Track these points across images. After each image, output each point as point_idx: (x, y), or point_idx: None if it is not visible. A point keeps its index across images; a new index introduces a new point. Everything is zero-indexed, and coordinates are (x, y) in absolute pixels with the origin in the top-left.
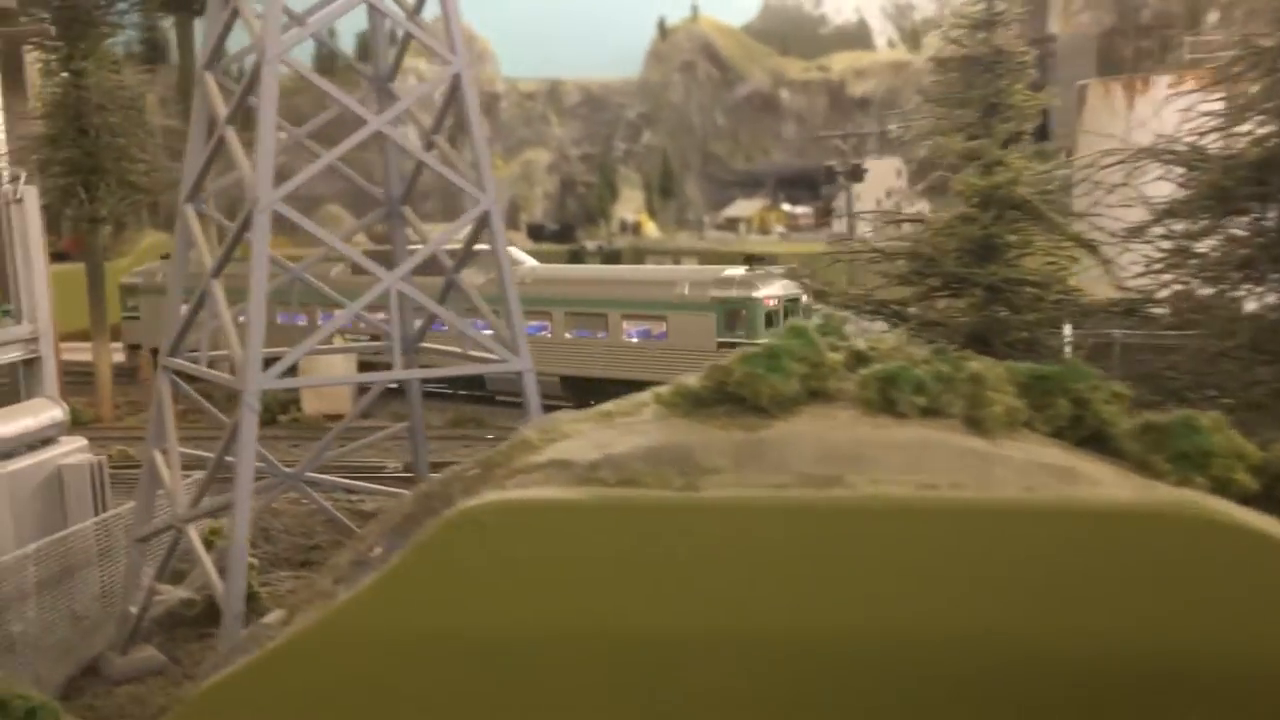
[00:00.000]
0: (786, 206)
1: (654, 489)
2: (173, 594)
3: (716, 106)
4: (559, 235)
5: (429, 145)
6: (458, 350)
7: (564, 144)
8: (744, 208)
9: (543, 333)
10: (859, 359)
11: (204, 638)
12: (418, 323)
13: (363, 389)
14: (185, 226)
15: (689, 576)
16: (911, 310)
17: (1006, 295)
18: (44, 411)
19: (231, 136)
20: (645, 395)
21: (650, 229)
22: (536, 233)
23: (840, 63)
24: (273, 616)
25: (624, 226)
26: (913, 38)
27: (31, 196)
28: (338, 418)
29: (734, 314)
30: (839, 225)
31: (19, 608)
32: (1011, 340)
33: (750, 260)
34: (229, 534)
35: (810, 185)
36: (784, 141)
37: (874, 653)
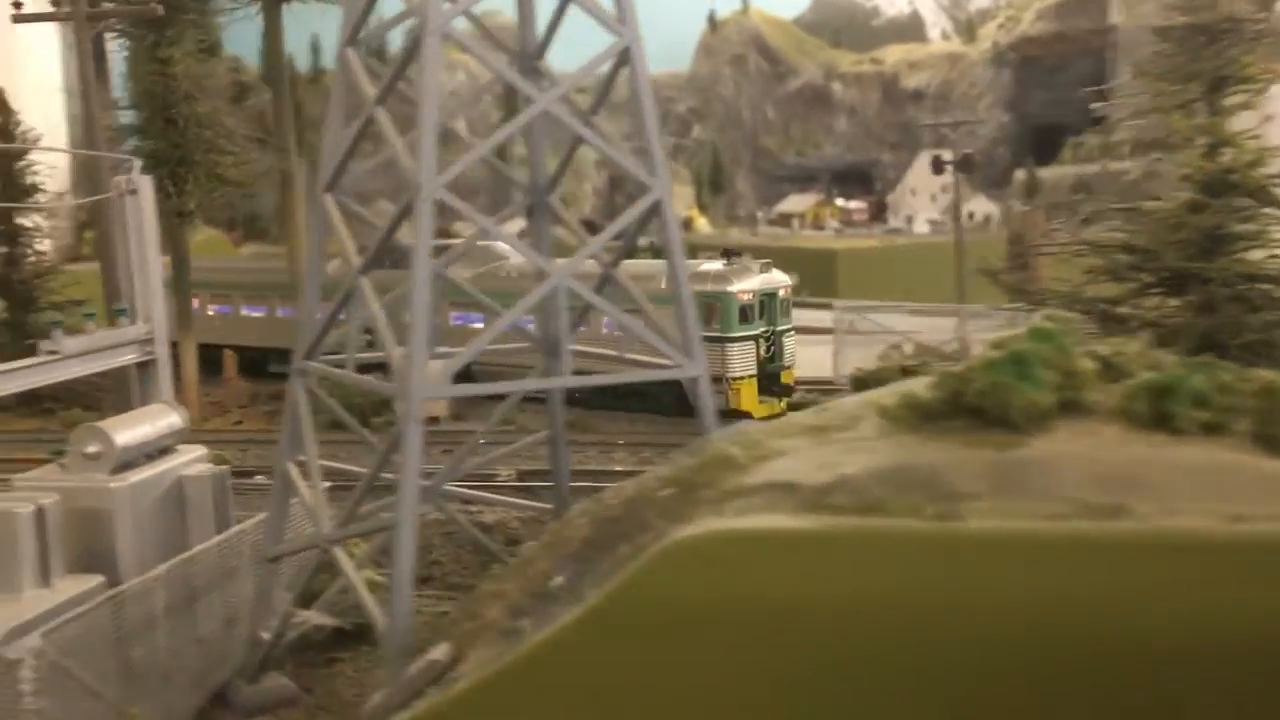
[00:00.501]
0: (840, 201)
1: (902, 518)
2: (313, 619)
3: (767, 100)
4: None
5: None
6: (611, 353)
7: (613, 138)
8: (797, 202)
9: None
10: (1107, 367)
11: (331, 663)
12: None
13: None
14: (323, 218)
15: (949, 619)
16: (1121, 310)
17: (1239, 293)
18: (162, 418)
19: (383, 118)
20: (855, 404)
21: (701, 224)
22: (587, 229)
23: (893, 55)
24: (439, 651)
25: None
26: (968, 29)
27: (146, 187)
28: (433, 420)
29: (709, 307)
30: (895, 220)
31: (148, 634)
32: (1247, 343)
33: (728, 254)
34: (390, 555)
35: (863, 179)
36: (836, 135)
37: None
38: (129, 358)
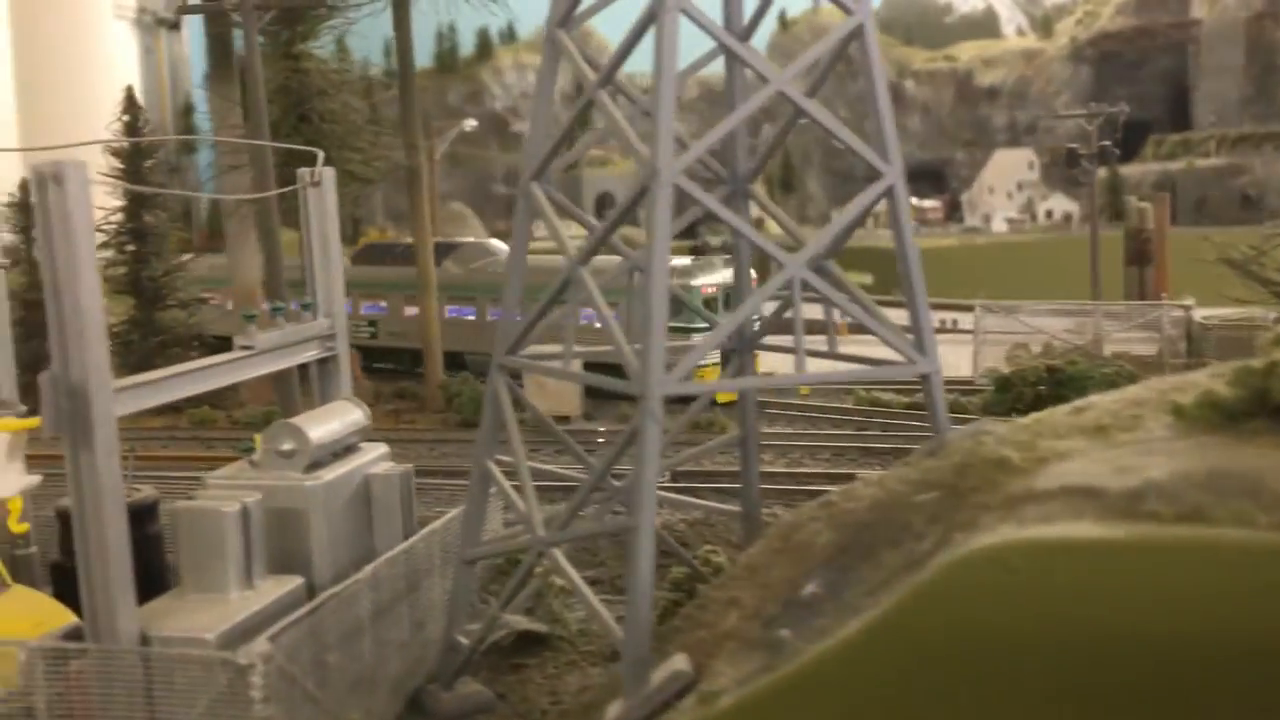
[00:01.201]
0: (914, 200)
1: (1235, 527)
2: (521, 625)
3: (839, 99)
4: (682, 232)
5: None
6: (822, 350)
7: (681, 139)
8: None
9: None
10: None
11: (518, 669)
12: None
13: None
14: (528, 208)
15: None
16: None
17: None
18: (347, 415)
19: (606, 100)
20: (1122, 402)
21: (772, 226)
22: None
23: (967, 52)
24: (678, 662)
25: None
26: (1044, 25)
27: (330, 179)
28: (564, 419)
29: (674, 301)
30: (971, 219)
31: (356, 638)
32: None
33: (696, 251)
34: (628, 561)
35: (936, 178)
36: (908, 133)
37: None
38: (312, 354)
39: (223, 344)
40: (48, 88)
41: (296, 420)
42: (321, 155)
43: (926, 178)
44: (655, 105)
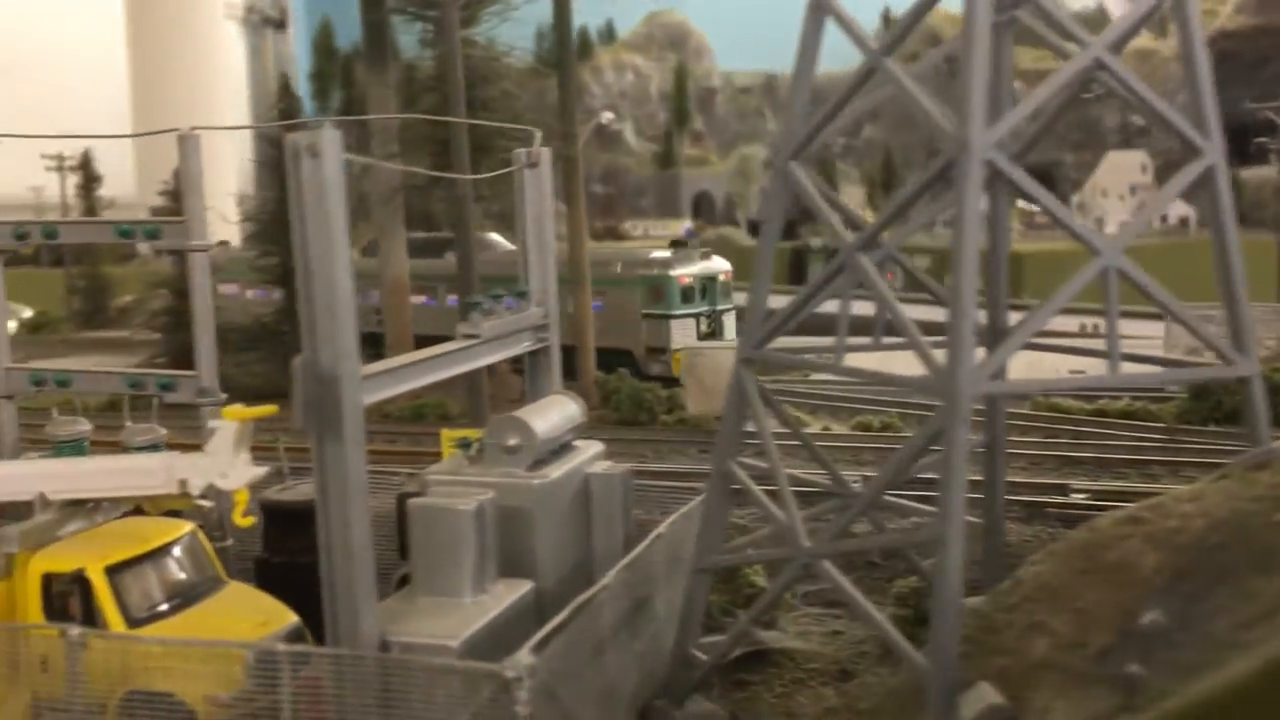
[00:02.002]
0: (1022, 203)
1: None
2: (774, 641)
3: (941, 99)
4: (781, 232)
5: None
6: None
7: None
8: None
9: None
10: None
11: (743, 686)
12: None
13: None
14: (784, 188)
15: None
16: None
17: None
18: (565, 409)
19: (896, 69)
20: None
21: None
22: (758, 229)
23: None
24: (987, 693)
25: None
26: (1159, 24)
27: (546, 160)
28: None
29: (655, 289)
30: (1084, 222)
31: (601, 653)
32: None
33: (675, 244)
34: (935, 576)
35: (1044, 180)
36: (1015, 134)
37: None
38: (527, 344)
39: (371, 339)
40: (161, 85)
41: (521, 414)
42: (539, 135)
43: (1035, 180)
44: (965, 69)
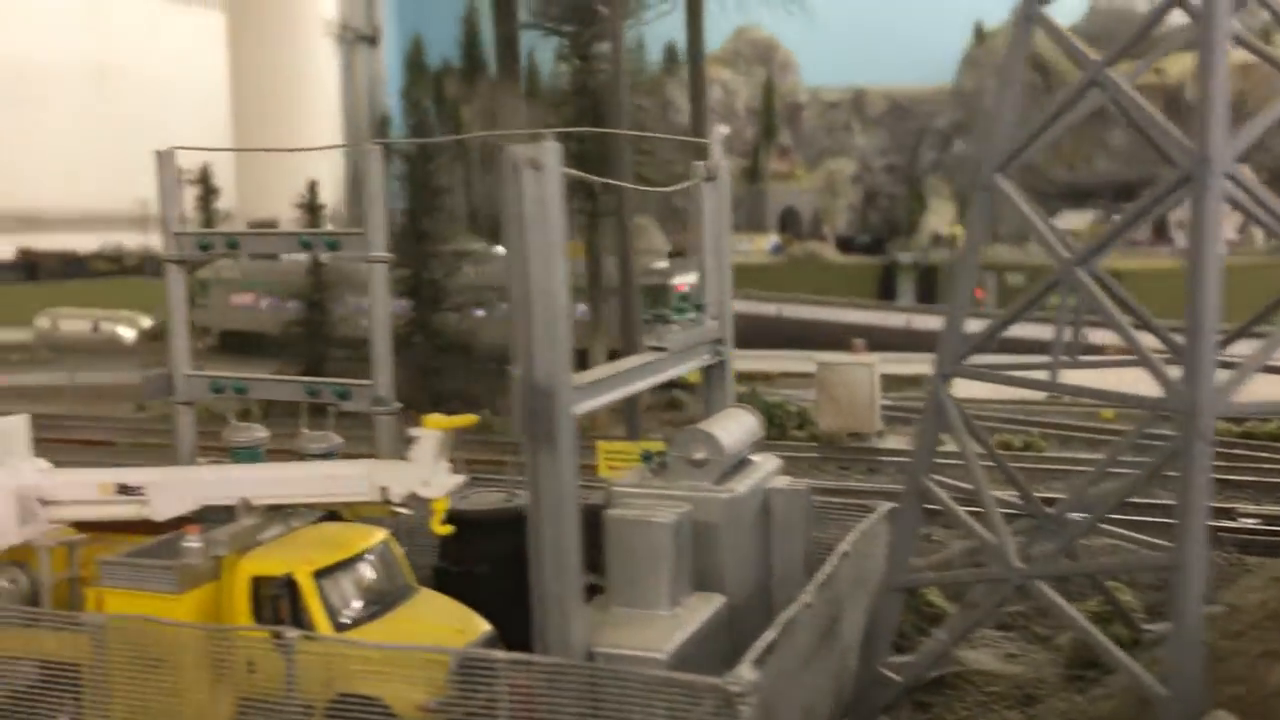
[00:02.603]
0: (1118, 219)
1: None
2: (977, 662)
3: (1036, 114)
4: (870, 247)
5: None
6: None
7: (868, 154)
8: (1072, 220)
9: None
10: None
11: (924, 709)
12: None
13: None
14: (989, 205)
15: None
16: None
17: None
18: (745, 423)
19: (1123, 83)
20: None
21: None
22: (846, 245)
23: (1177, 65)
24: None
25: (937, 239)
26: (1263, 37)
27: (725, 172)
28: (859, 436)
29: (655, 297)
30: (1182, 240)
31: (802, 670)
32: None
33: (674, 254)
34: (1173, 601)
35: (1139, 196)
36: (1111, 150)
37: None
38: (705, 358)
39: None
40: (260, 99)
41: (707, 427)
42: (718, 147)
43: (1130, 196)
44: (1204, 80)
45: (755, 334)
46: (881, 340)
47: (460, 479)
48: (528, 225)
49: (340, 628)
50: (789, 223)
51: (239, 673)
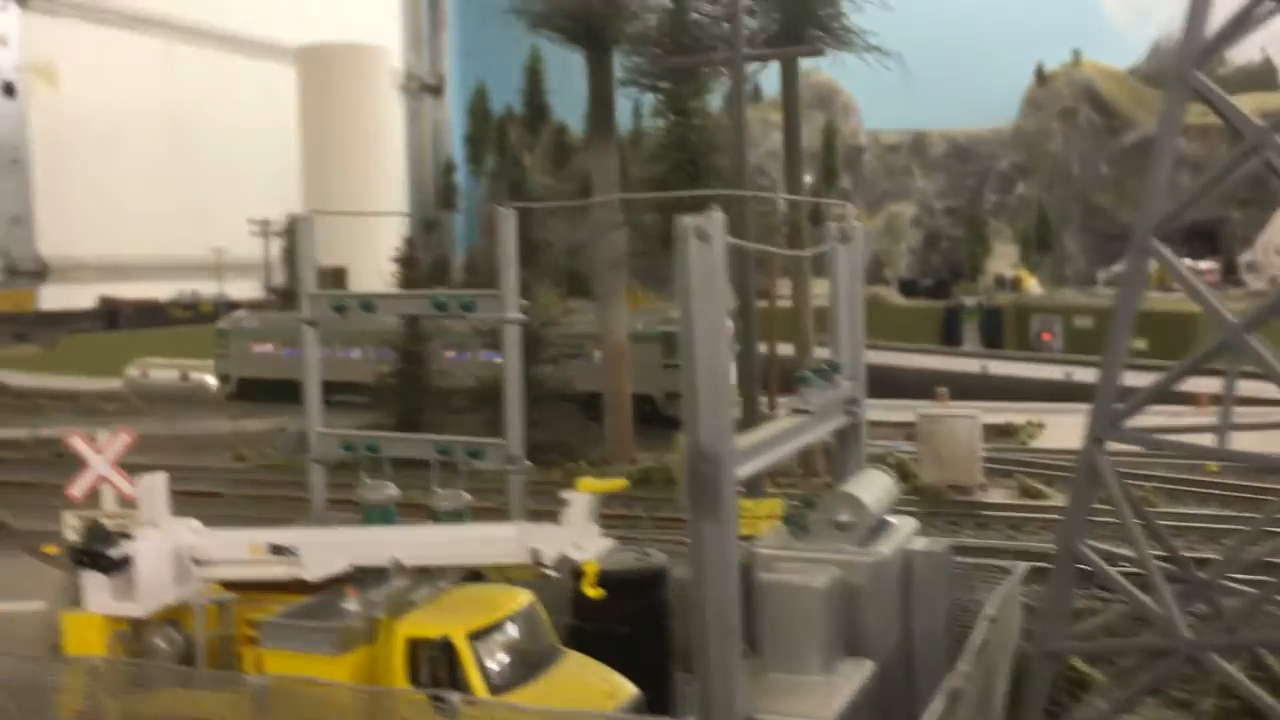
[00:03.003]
0: (1188, 261)
1: None
2: None
3: (1100, 155)
4: (933, 291)
5: None
6: None
7: (928, 197)
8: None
9: None
10: None
11: None
12: None
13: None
14: (1144, 266)
15: None
16: None
17: None
18: (882, 484)
19: None
20: None
21: (1031, 285)
22: (909, 288)
23: (1244, 105)
24: None
25: (1001, 282)
26: None
27: (859, 233)
28: (962, 490)
29: (672, 342)
30: (1255, 282)
31: None
32: None
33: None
34: None
35: (1209, 239)
36: (1180, 191)
37: None
38: (842, 419)
39: (591, 398)
40: (329, 153)
41: (852, 489)
42: (851, 208)
43: (1200, 238)
44: None
45: None
46: (957, 386)
47: (610, 542)
48: (693, 295)
49: (495, 690)
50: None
51: None
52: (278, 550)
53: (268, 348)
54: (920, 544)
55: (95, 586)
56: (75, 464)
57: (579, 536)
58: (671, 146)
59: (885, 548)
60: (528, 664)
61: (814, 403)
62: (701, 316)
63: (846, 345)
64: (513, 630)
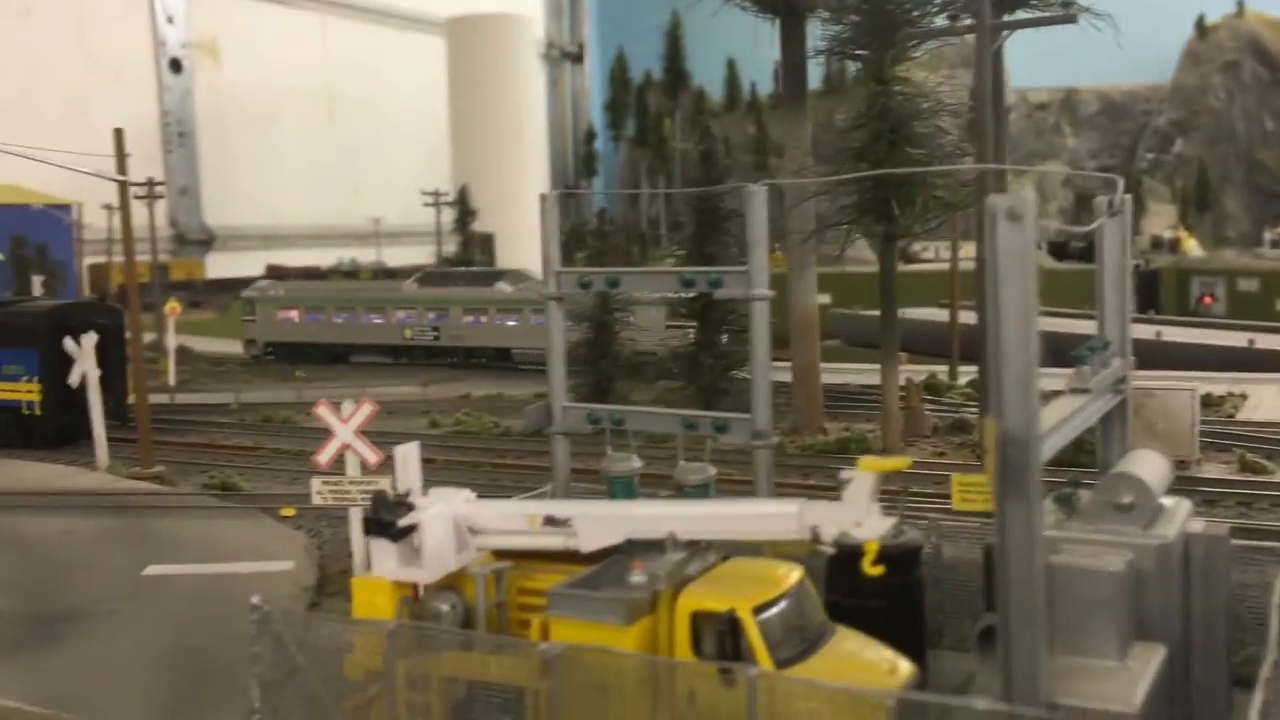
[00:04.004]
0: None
1: None
2: None
3: (1264, 110)
4: (1085, 253)
5: None
6: None
7: (1079, 156)
8: None
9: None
10: None
11: None
12: None
13: None
14: None
15: None
16: None
17: None
18: (1158, 466)
19: None
20: None
21: (1190, 246)
22: (1059, 251)
23: None
24: None
25: (1158, 243)
26: None
27: (1128, 210)
28: (1179, 464)
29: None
30: None
31: None
32: None
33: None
34: None
35: None
36: None
37: None
38: (1110, 398)
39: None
40: (476, 122)
41: (1135, 470)
42: (1121, 182)
43: None
44: None
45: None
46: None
47: (891, 520)
48: (1002, 278)
49: (780, 664)
50: None
51: (680, 703)
52: (552, 522)
53: (292, 314)
54: (1198, 526)
55: (383, 553)
56: (284, 428)
57: (862, 515)
58: (873, 116)
59: (1168, 530)
60: (805, 639)
61: (1092, 381)
62: (1011, 302)
63: (1114, 321)
64: (791, 605)
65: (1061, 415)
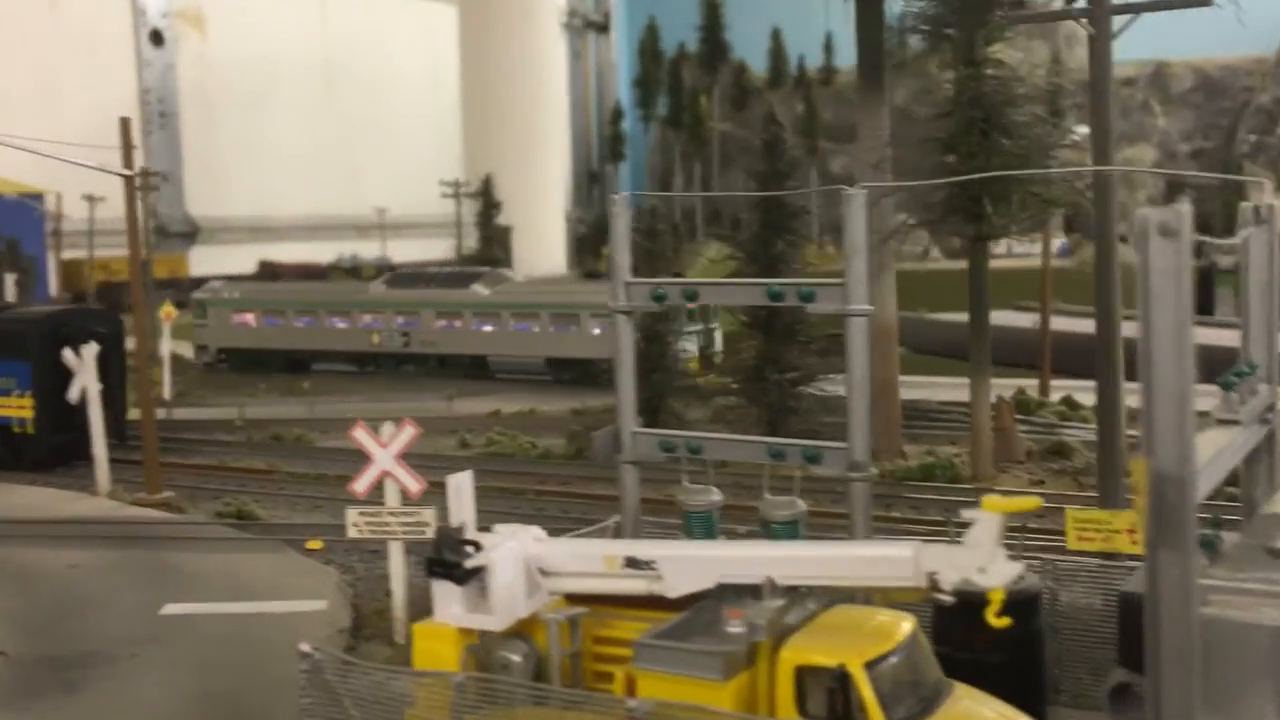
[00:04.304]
0: None
1: None
2: None
3: None
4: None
5: None
6: None
7: (1171, 138)
8: None
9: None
10: None
11: None
12: None
13: None
14: None
15: None
16: None
17: None
18: None
19: None
20: None
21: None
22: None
23: None
24: None
25: None
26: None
27: (1277, 216)
28: None
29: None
30: None
31: None
32: None
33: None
34: None
35: None
36: None
37: None
38: (1258, 428)
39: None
40: (490, 95)
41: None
42: (1268, 185)
43: None
44: None
45: (1073, 356)
46: (1223, 364)
47: (1019, 567)
48: (1155, 299)
49: None
50: (1076, 220)
51: None
52: (634, 564)
53: (248, 318)
54: None
55: (447, 596)
56: (299, 447)
57: (986, 560)
58: (963, 103)
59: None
60: (921, 697)
61: (1243, 412)
62: (1164, 325)
63: (1260, 342)
64: (904, 659)
65: (1214, 450)
